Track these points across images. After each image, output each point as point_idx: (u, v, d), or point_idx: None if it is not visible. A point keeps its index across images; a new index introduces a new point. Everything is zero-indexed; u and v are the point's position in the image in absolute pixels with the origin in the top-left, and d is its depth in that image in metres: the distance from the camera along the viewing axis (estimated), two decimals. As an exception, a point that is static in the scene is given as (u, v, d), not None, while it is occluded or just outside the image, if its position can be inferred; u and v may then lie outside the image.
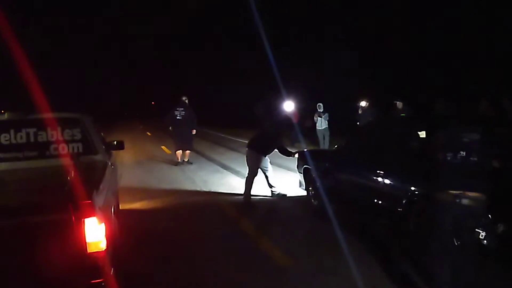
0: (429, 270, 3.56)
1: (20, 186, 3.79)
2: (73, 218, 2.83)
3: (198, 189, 8.20)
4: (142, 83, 59.78)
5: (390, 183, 4.77)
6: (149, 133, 25.88)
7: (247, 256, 4.62)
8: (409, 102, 11.92)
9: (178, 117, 11.08)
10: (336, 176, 6.02)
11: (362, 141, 6.06)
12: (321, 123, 13.55)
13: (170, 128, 11.27)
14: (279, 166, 10.62)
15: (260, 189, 7.83)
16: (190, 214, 6.47)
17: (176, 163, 11.35)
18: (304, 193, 6.92)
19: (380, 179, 4.90)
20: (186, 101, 11.34)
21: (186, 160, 11.46)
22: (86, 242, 2.85)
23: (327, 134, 13.54)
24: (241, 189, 7.96)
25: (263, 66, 20.32)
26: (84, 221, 2.84)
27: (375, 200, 4.99)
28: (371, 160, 5.26)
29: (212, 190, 8.01)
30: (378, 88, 17.74)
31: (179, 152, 11.35)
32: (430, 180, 3.90)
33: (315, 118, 13.60)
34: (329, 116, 13.53)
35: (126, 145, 5.64)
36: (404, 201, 4.45)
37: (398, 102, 11.69)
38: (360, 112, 12.93)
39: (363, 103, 12.87)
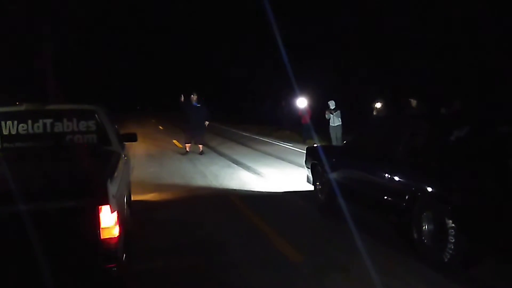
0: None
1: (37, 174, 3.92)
2: (88, 205, 2.95)
3: (209, 183, 8.31)
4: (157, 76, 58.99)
5: (395, 179, 4.78)
6: (161, 127, 26.09)
7: (257, 249, 4.66)
8: (424, 99, 11.91)
9: (193, 111, 11.77)
10: (343, 171, 6.07)
11: (370, 137, 6.10)
12: (334, 120, 13.50)
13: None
14: (290, 162, 10.70)
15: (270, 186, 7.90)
16: (200, 206, 6.57)
17: (185, 153, 12.23)
18: (312, 188, 6.99)
19: (386, 174, 4.91)
20: (195, 97, 11.90)
21: (200, 152, 12.16)
22: (100, 228, 2.97)
23: (340, 131, 13.49)
24: (252, 184, 8.05)
25: (277, 63, 20.37)
26: (98, 208, 2.95)
27: (381, 196, 4.99)
28: (378, 156, 5.30)
29: (223, 185, 8.10)
30: (393, 87, 17.64)
31: (189, 145, 12.28)
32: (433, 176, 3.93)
33: (326, 115, 13.59)
34: (341, 114, 13.47)
35: (138, 138, 5.75)
36: (407, 197, 4.47)
37: (412, 100, 11.67)
38: (375, 113, 12.88)
39: (378, 105, 12.81)
